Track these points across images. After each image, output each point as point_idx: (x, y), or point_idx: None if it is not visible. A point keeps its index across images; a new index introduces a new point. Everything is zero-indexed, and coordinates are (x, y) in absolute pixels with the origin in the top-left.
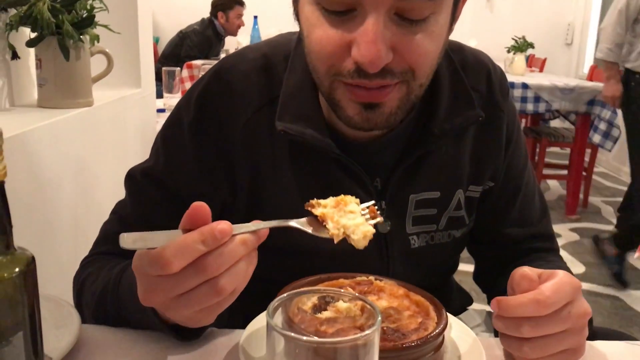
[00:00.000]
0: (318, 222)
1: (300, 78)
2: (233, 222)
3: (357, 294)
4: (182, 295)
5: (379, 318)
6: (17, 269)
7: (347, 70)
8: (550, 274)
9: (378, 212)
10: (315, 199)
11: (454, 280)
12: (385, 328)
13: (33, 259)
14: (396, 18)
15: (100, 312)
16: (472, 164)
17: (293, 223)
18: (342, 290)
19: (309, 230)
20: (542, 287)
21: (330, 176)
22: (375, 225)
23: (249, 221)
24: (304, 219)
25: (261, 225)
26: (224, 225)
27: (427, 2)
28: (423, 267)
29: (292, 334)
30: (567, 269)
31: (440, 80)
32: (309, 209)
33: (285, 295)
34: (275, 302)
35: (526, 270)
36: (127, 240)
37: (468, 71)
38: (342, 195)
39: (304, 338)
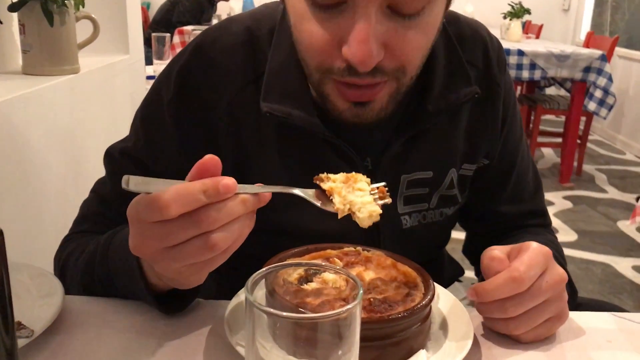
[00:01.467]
0: (325, 195)
1: (286, 55)
2: None
3: (339, 268)
4: (174, 247)
5: (361, 292)
6: None
7: (338, 68)
8: (520, 247)
9: (388, 193)
10: (325, 173)
11: (445, 251)
12: (372, 299)
13: (1, 232)
14: (389, 12)
15: (87, 282)
16: (466, 142)
17: (298, 191)
18: (325, 264)
19: (315, 202)
20: (514, 264)
21: (319, 157)
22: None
23: None
24: (311, 190)
25: (265, 189)
26: (228, 180)
27: None
28: (415, 246)
29: (272, 310)
30: (555, 242)
31: (436, 55)
32: (318, 182)
33: (265, 269)
34: (254, 277)
35: (494, 252)
36: (131, 182)
37: (464, 44)
38: (354, 173)
39: (284, 314)
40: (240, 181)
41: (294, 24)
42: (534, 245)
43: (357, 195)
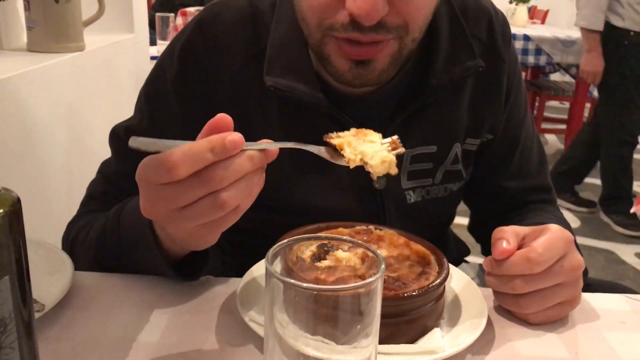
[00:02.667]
0: (336, 151)
1: (288, 28)
2: None
3: (360, 242)
4: (185, 207)
5: (383, 266)
6: (1, 210)
7: (341, 24)
8: (541, 229)
9: (400, 144)
10: (335, 132)
11: (451, 230)
12: (386, 277)
13: (18, 199)
14: None
15: (100, 255)
16: (470, 117)
17: (307, 147)
18: (346, 238)
19: (326, 156)
20: (533, 244)
21: (322, 131)
22: (371, 181)
23: None
24: (322, 148)
25: (273, 145)
26: (235, 136)
27: None
28: (420, 222)
29: (292, 281)
30: (563, 220)
31: (439, 28)
32: (327, 140)
33: (285, 241)
34: (274, 249)
35: (504, 232)
36: (138, 141)
37: (468, 17)
38: (364, 129)
39: (304, 285)
40: None
41: None
42: (555, 228)
43: (368, 147)
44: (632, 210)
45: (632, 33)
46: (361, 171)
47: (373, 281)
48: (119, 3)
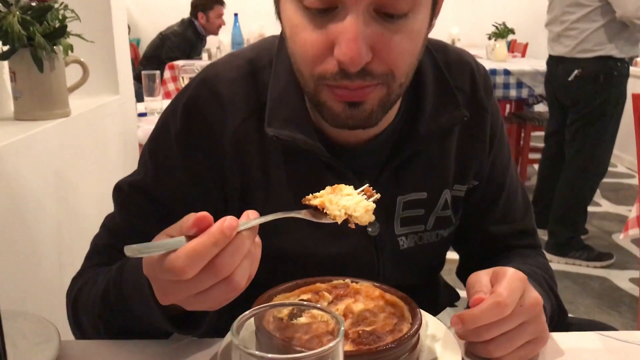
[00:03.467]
0: (319, 211)
1: (285, 82)
2: None
3: (321, 306)
4: (200, 294)
5: (342, 329)
6: None
7: (330, 73)
8: (497, 272)
9: (374, 190)
10: (312, 194)
11: (440, 277)
12: (360, 331)
13: None
14: (375, 15)
15: (103, 313)
16: (457, 164)
17: (294, 213)
18: (307, 303)
19: (311, 218)
20: (497, 289)
21: (319, 180)
22: (365, 228)
23: None
24: (304, 211)
25: (262, 219)
26: (230, 221)
27: None
28: (412, 267)
29: (257, 353)
30: (547, 265)
31: (425, 80)
32: (307, 202)
33: (248, 312)
34: (239, 320)
35: (478, 277)
36: (132, 249)
37: (452, 70)
38: (336, 185)
39: (269, 356)
40: (245, 207)
41: (289, 37)
42: (510, 271)
43: (347, 200)
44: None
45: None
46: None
47: (333, 346)
48: (103, 66)
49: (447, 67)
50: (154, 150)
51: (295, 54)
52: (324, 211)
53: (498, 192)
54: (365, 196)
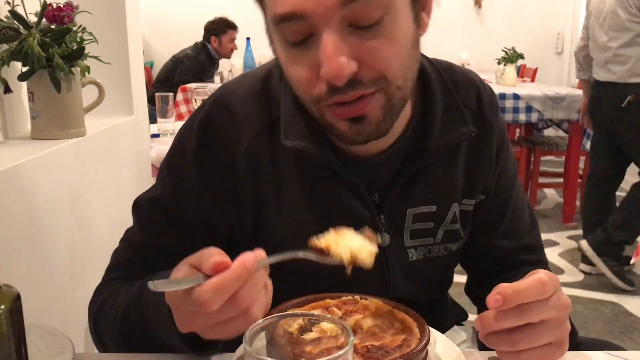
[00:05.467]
0: (324, 253)
1: (296, 98)
2: (240, 242)
3: (331, 317)
4: (219, 324)
5: (351, 338)
6: (2, 306)
7: (323, 94)
8: (533, 273)
9: (372, 233)
10: (316, 236)
11: (449, 295)
12: (369, 346)
13: (18, 296)
14: (350, 29)
15: (124, 329)
16: (465, 178)
17: (301, 254)
18: (319, 314)
19: (314, 258)
20: (537, 274)
21: (331, 191)
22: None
23: (255, 241)
24: (311, 253)
25: (274, 258)
26: (251, 258)
27: (374, 1)
28: (421, 281)
29: (268, 359)
30: None
31: (434, 97)
32: (312, 245)
33: (260, 321)
34: (252, 329)
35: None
36: (155, 285)
37: (459, 89)
38: (337, 228)
39: None
40: (259, 219)
41: (284, 71)
42: (542, 272)
43: (352, 243)
44: (632, 261)
45: None
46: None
47: (342, 354)
48: (118, 87)
49: (454, 85)
50: (171, 167)
51: (292, 85)
52: (330, 254)
53: (504, 205)
54: (366, 239)
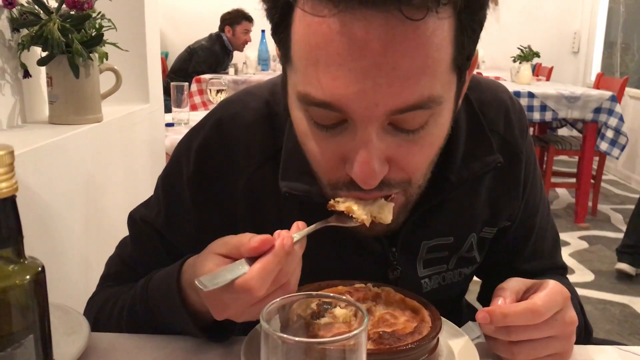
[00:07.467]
0: (344, 215)
1: None
2: None
3: (347, 299)
4: (257, 304)
5: (366, 319)
6: (27, 277)
7: (344, 182)
8: (541, 283)
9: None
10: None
11: (464, 299)
12: (381, 332)
13: (43, 268)
14: (390, 129)
15: (132, 328)
16: (487, 208)
17: (323, 223)
18: (334, 295)
19: (339, 223)
20: (535, 298)
21: (338, 231)
22: (386, 272)
23: None
24: (331, 217)
25: (304, 232)
26: (287, 238)
27: (423, 111)
28: (435, 305)
29: (284, 335)
30: (573, 289)
31: (458, 124)
32: (332, 208)
33: (278, 299)
34: (269, 306)
35: (509, 281)
36: (203, 283)
37: (486, 110)
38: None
39: (295, 339)
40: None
41: (299, 138)
42: (552, 283)
43: (371, 203)
44: None
45: None
46: (379, 261)
47: (357, 334)
48: (135, 75)
49: (480, 107)
50: (167, 188)
51: (308, 158)
52: (350, 215)
53: (529, 230)
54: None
